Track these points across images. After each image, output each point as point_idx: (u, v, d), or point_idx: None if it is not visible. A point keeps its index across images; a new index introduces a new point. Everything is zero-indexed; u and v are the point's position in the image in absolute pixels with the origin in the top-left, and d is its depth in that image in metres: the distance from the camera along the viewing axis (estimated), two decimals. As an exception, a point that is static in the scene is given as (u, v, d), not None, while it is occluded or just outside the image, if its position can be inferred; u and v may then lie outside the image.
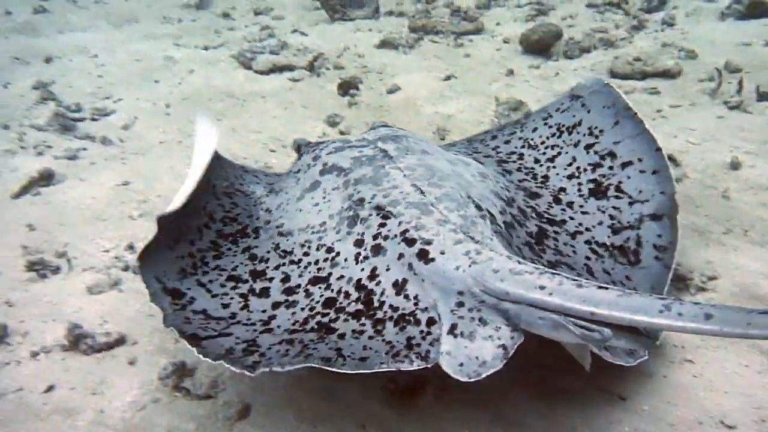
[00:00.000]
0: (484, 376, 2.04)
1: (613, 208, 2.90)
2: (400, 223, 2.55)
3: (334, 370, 2.09)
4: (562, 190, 3.10)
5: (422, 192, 2.69)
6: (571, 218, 2.92)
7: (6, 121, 4.84)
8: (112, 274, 3.24)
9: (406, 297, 2.37)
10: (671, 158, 3.61)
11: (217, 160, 3.05)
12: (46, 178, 4.07)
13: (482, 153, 3.53)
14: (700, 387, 2.29)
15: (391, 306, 2.37)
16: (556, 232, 2.84)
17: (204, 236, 2.76)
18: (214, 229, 2.83)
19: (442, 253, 2.37)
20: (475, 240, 2.40)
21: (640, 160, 2.96)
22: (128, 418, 2.38)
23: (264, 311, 2.51)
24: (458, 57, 5.85)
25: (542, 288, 2.05)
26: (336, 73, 5.70)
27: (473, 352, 2.12)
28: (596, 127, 3.19)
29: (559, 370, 2.41)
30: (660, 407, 2.22)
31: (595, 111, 3.23)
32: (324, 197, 2.94)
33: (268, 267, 2.73)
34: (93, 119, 5.03)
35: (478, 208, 2.65)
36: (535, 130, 3.47)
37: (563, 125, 3.34)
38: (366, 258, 2.56)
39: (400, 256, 2.46)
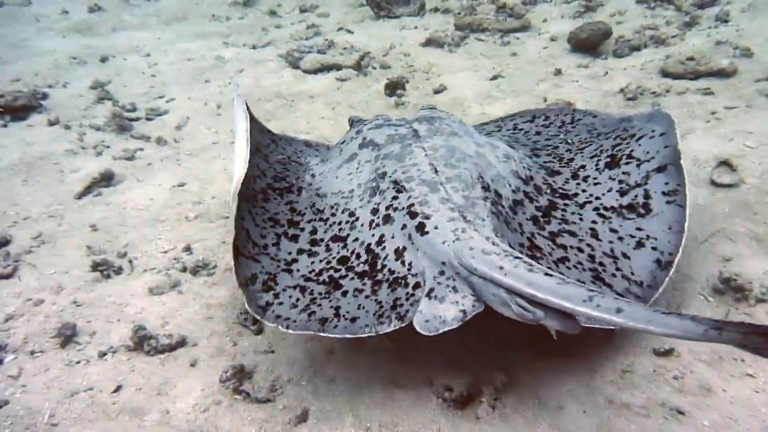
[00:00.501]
0: (440, 332, 2.38)
1: (623, 173, 3.10)
2: (409, 197, 2.88)
3: (322, 334, 2.48)
4: (582, 167, 3.31)
5: (436, 171, 3.00)
6: (584, 191, 3.15)
7: (67, 120, 5.02)
8: (172, 276, 3.35)
9: (403, 263, 2.70)
10: (727, 163, 3.57)
11: (270, 138, 3.72)
12: (107, 179, 4.22)
13: (522, 142, 3.76)
14: (761, 402, 2.27)
15: (389, 270, 2.71)
16: (566, 205, 3.09)
17: (257, 183, 3.23)
18: (265, 181, 3.32)
19: (436, 228, 2.68)
20: (466, 219, 2.70)
21: (653, 131, 3.15)
22: (192, 420, 2.48)
23: (290, 253, 2.93)
24: (505, 56, 5.82)
25: (501, 268, 2.34)
26: (382, 72, 5.74)
27: (439, 312, 2.46)
28: (639, 151, 3.18)
29: (616, 383, 2.43)
30: (720, 423, 2.21)
31: (644, 140, 3.19)
32: (357, 168, 3.29)
33: (302, 219, 3.18)
34: (148, 119, 5.17)
35: (485, 189, 2.93)
36: (578, 135, 3.65)
37: (603, 134, 3.49)
38: (377, 225, 2.91)
39: (404, 226, 2.79)
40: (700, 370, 2.42)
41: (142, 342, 2.85)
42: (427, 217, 2.74)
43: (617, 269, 2.74)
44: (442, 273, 2.58)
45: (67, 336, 2.91)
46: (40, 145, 4.68)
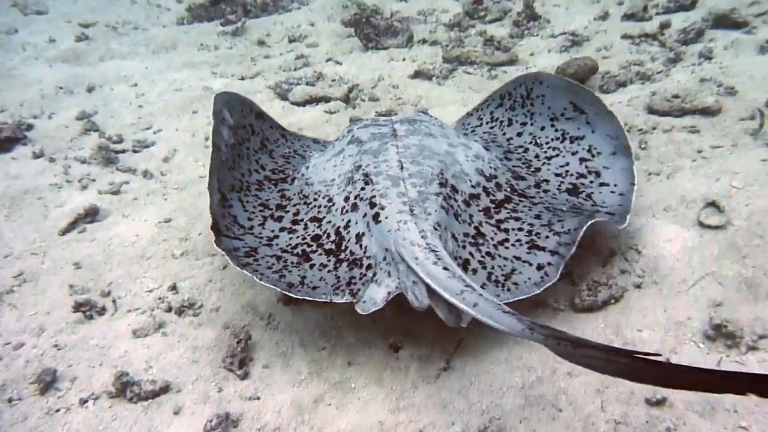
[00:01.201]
0: (370, 312, 2.80)
1: (579, 202, 3.53)
2: (373, 189, 3.33)
3: (288, 294, 2.94)
4: (546, 181, 3.74)
5: (402, 167, 3.45)
6: (540, 197, 3.59)
7: (52, 153, 4.97)
8: (156, 317, 3.30)
9: (361, 246, 3.17)
10: (714, 204, 3.58)
11: (280, 133, 4.34)
12: (92, 214, 4.17)
13: (498, 142, 4.17)
14: (752, 457, 2.25)
15: (351, 251, 3.18)
16: (520, 201, 3.54)
17: (253, 176, 3.80)
18: (263, 174, 3.87)
19: (387, 218, 3.12)
20: (412, 213, 3.13)
21: (616, 185, 3.58)
22: (176, 472, 2.42)
23: (272, 231, 3.44)
24: (493, 89, 5.83)
25: (416, 259, 2.79)
26: (371, 104, 5.75)
27: (374, 295, 2.88)
28: (596, 149, 3.80)
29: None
30: (711, 478, 2.19)
31: (599, 134, 3.83)
32: (342, 161, 3.75)
33: (289, 203, 3.66)
34: (134, 151, 5.13)
35: (442, 185, 3.38)
36: (543, 128, 4.08)
37: (567, 133, 3.96)
38: (347, 211, 3.38)
39: (365, 215, 3.24)
40: (693, 421, 2.40)
41: (124, 388, 2.79)
42: (383, 208, 3.19)
43: (550, 231, 3.24)
44: (385, 258, 3.02)
45: (47, 382, 2.85)
46: (24, 179, 4.63)
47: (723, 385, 1.73)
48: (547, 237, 3.22)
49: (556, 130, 4.02)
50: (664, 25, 6.17)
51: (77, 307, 3.32)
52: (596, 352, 1.90)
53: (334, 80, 6.34)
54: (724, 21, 5.92)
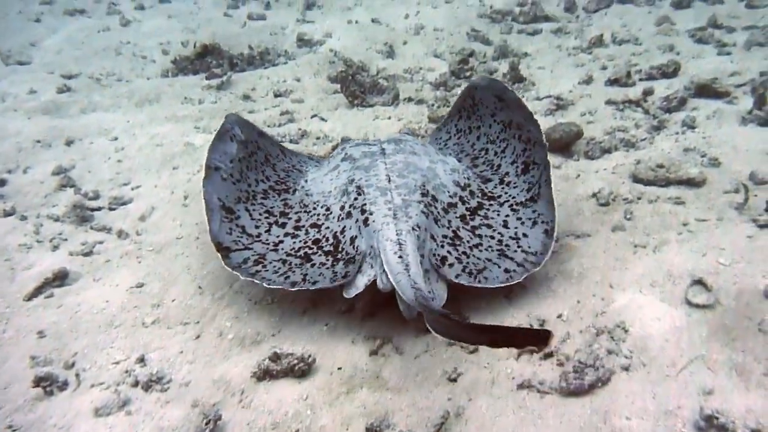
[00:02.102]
0: (352, 295, 3.49)
1: (531, 176, 4.22)
2: (364, 199, 3.91)
3: (294, 289, 3.53)
4: (507, 174, 4.40)
5: (389, 180, 4.03)
6: (505, 192, 4.27)
7: (24, 210, 4.83)
8: (121, 393, 3.13)
9: (354, 247, 3.73)
10: (701, 281, 3.51)
11: (280, 149, 4.87)
12: (61, 278, 4.02)
13: (466, 151, 4.83)
14: None
15: (346, 252, 3.74)
16: (490, 204, 4.19)
17: (259, 185, 4.35)
18: (267, 184, 4.41)
19: (374, 221, 3.72)
20: (395, 216, 3.71)
21: (540, 138, 4.25)
22: None
23: (278, 236, 3.97)
24: (478, 151, 5.82)
25: (385, 251, 3.46)
26: (355, 164, 5.68)
27: (358, 282, 3.53)
28: (522, 124, 4.42)
29: None
30: None
31: (515, 111, 4.50)
32: (337, 175, 4.30)
33: (291, 211, 4.20)
34: (111, 208, 5.01)
35: (424, 194, 3.97)
36: (490, 126, 4.74)
37: (504, 121, 4.61)
38: (342, 218, 3.94)
39: (357, 220, 3.83)
40: None
41: (82, 477, 2.61)
42: (371, 213, 3.78)
43: (518, 246, 3.83)
44: (369, 254, 3.62)
45: (-1, 470, 2.66)
46: (-8, 238, 4.48)
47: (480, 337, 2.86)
48: (515, 251, 3.80)
49: (498, 123, 4.68)
50: (647, 92, 6.22)
51: (37, 381, 3.14)
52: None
53: (318, 138, 6.29)
54: (706, 90, 5.98)
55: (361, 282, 3.50)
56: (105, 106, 7.01)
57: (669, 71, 6.61)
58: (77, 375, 3.24)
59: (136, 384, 3.21)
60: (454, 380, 3.16)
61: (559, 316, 3.53)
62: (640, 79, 6.70)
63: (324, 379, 3.24)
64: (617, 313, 3.47)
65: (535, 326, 3.47)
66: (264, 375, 3.25)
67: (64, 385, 3.18)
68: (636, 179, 4.83)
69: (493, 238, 3.89)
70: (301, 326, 3.67)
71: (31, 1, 10.92)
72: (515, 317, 3.58)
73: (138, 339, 3.56)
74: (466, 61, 7.80)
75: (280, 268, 3.68)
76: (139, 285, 4.02)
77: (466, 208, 4.12)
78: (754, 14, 8.18)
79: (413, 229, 3.64)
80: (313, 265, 3.68)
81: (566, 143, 5.50)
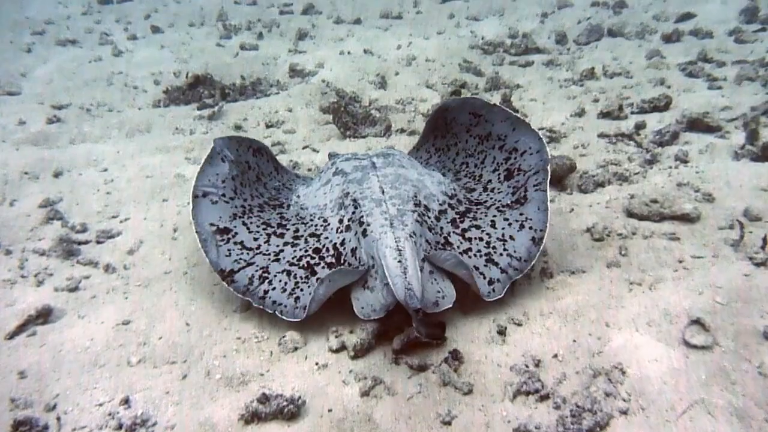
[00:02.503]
0: (372, 318, 3.62)
1: (516, 181, 4.44)
2: (361, 211, 4.09)
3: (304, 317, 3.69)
4: (490, 181, 4.64)
5: (383, 191, 4.22)
6: (490, 197, 4.50)
7: (9, 244, 4.73)
8: (104, 438, 3.02)
9: (355, 258, 3.94)
10: (699, 321, 3.46)
11: (274, 166, 5.07)
12: (45, 315, 3.91)
13: (448, 167, 5.06)
14: None
15: (348, 263, 3.93)
16: (477, 209, 4.40)
17: (255, 200, 4.50)
18: (262, 199, 4.57)
19: (372, 231, 3.92)
20: (392, 225, 3.91)
21: (530, 146, 4.49)
22: None
23: (278, 246, 4.11)
24: (471, 184, 5.79)
25: (386, 257, 3.69)
26: (347, 197, 5.63)
27: (370, 301, 3.69)
28: (502, 134, 4.72)
29: None
30: None
31: (497, 124, 4.77)
32: (330, 189, 4.49)
33: (288, 222, 4.37)
34: (98, 242, 4.91)
35: (417, 204, 4.18)
36: (467, 141, 5.01)
37: (480, 135, 4.90)
38: (342, 231, 4.13)
39: (356, 232, 4.03)
40: None
41: None
42: (369, 225, 3.98)
43: (504, 249, 4.01)
44: (372, 266, 3.80)
45: None
46: (-25, 274, 4.37)
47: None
48: (501, 255, 3.98)
49: (474, 137, 4.95)
50: (640, 126, 6.23)
51: (16, 426, 3.02)
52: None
53: (309, 169, 6.24)
54: (698, 124, 6.00)
55: (379, 303, 3.65)
56: (95, 136, 6.94)
57: (661, 105, 6.63)
58: (58, 418, 3.13)
59: (119, 427, 3.11)
60: (449, 423, 3.08)
61: (555, 356, 3.47)
62: (632, 113, 6.72)
63: (314, 421, 3.15)
64: (614, 353, 3.41)
65: (531, 367, 3.40)
66: (252, 418, 3.16)
67: (43, 430, 3.07)
68: (630, 214, 4.80)
69: (481, 240, 4.10)
70: (291, 365, 3.58)
71: (22, 32, 10.91)
72: (510, 356, 3.51)
73: (123, 379, 3.45)
74: (459, 92, 7.81)
75: (287, 283, 3.84)
76: (125, 322, 3.92)
77: (456, 213, 4.36)
78: (743, 49, 8.27)
79: (410, 236, 3.85)
80: (317, 280, 3.80)
81: (560, 176, 5.48)
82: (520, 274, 3.89)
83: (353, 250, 3.96)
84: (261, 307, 3.77)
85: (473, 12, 11.38)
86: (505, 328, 3.72)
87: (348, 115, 7.24)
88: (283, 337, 3.74)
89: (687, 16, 9.73)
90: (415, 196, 4.23)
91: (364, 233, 3.92)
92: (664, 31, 9.17)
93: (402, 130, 7.35)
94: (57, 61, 9.52)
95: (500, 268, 3.89)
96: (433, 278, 3.80)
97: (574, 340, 3.56)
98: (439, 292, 3.74)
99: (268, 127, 7.59)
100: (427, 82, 8.37)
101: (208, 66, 9.12)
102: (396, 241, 3.75)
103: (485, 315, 3.87)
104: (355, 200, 4.19)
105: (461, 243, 4.08)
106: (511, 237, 4.07)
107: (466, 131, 5.02)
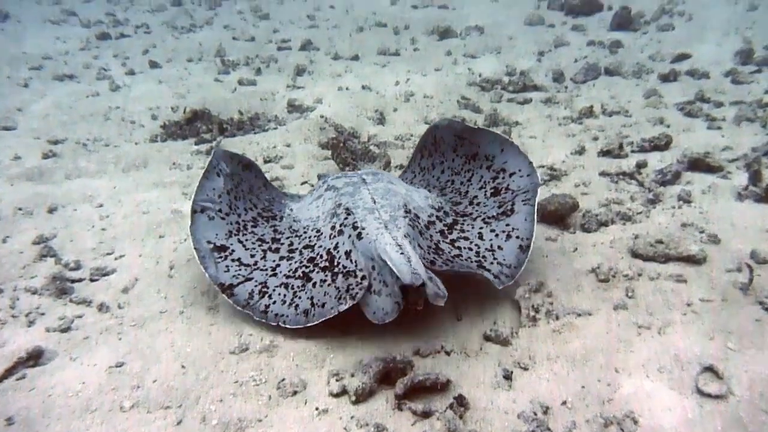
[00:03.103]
0: (387, 321, 3.71)
1: (502, 197, 4.68)
2: (354, 217, 4.27)
3: (308, 325, 3.87)
4: (476, 197, 4.85)
5: (375, 201, 4.42)
6: (476, 210, 4.70)
7: (1, 282, 4.60)
8: (95, 492, 2.88)
9: (350, 260, 4.04)
10: (712, 369, 3.36)
11: (263, 182, 5.17)
12: (35, 357, 3.77)
13: (432, 184, 5.27)
14: None
15: (343, 265, 4.04)
16: (464, 220, 4.62)
17: (248, 213, 4.68)
18: (255, 211, 4.75)
19: (367, 233, 4.07)
20: (386, 228, 4.09)
21: (520, 170, 4.73)
22: None
23: (274, 261, 4.29)
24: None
25: (386, 252, 3.85)
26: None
27: (381, 305, 3.76)
28: (490, 154, 4.96)
29: None
30: None
31: (483, 145, 5.01)
32: (323, 203, 4.68)
33: (282, 236, 4.54)
34: (92, 279, 4.79)
35: (407, 212, 4.38)
36: (453, 160, 5.23)
37: (467, 155, 5.12)
38: (334, 236, 4.27)
39: (350, 236, 4.16)
40: None
41: None
42: (363, 228, 4.13)
43: (494, 258, 4.21)
44: (373, 268, 3.89)
45: None
46: (-36, 314, 4.24)
47: None
48: (491, 263, 4.18)
49: (461, 156, 5.16)
50: (641, 165, 6.21)
51: (3, 477, 2.89)
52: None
53: (308, 206, 6.16)
54: (699, 164, 5.98)
55: (389, 305, 3.73)
56: (91, 171, 6.85)
57: (661, 144, 6.62)
58: (46, 470, 2.99)
59: (111, 480, 2.97)
60: (455, 475, 2.95)
61: (564, 403, 3.36)
62: (633, 151, 6.71)
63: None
64: (625, 401, 3.31)
65: (539, 414, 3.28)
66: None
67: (32, 481, 2.93)
68: (635, 254, 4.74)
69: (471, 249, 4.29)
70: (290, 410, 3.45)
71: (19, 66, 10.89)
72: (517, 402, 3.40)
73: (115, 425, 3.31)
74: (457, 129, 7.79)
75: (285, 295, 4.02)
76: (118, 364, 3.79)
77: (443, 224, 4.56)
78: (740, 90, 8.32)
79: (405, 236, 4.03)
80: (314, 284, 4.01)
81: (562, 215, 5.42)
82: (511, 280, 4.10)
83: (347, 253, 4.09)
84: (263, 321, 3.99)
85: (470, 50, 11.46)
86: (512, 372, 3.62)
87: (347, 151, 7.20)
88: (282, 380, 3.62)
89: (682, 57, 9.81)
90: (406, 206, 4.45)
91: (359, 236, 4.09)
92: (661, 71, 9.24)
93: (401, 166, 7.29)
94: (54, 95, 9.48)
95: (493, 274, 4.06)
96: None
97: (583, 386, 3.46)
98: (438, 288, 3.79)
99: (266, 162, 7.53)
100: (426, 119, 8.37)
101: (206, 101, 9.11)
102: (394, 239, 3.95)
103: (490, 358, 3.77)
104: (347, 208, 4.39)
105: (451, 250, 4.29)
106: (499, 247, 4.29)
107: (453, 151, 5.23)
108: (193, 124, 8.06)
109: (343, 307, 3.77)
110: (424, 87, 9.55)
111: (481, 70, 10.27)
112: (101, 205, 6.03)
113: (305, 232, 4.48)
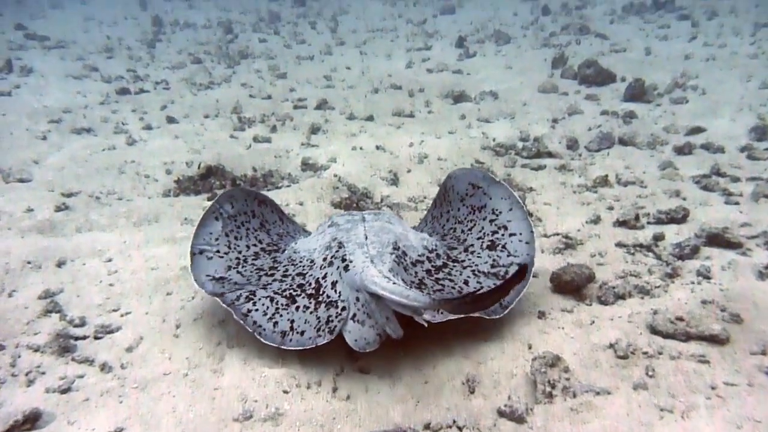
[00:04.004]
0: (368, 350, 3.98)
1: (497, 255, 4.90)
2: (344, 251, 4.54)
3: (283, 347, 4.14)
4: (472, 245, 5.06)
5: (366, 237, 4.70)
6: (469, 259, 4.92)
7: (2, 338, 4.50)
8: None
9: (335, 291, 4.30)
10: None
11: (278, 216, 5.61)
12: (32, 420, 3.64)
13: (437, 231, 5.47)
14: None
15: (327, 295, 4.31)
16: (454, 265, 4.85)
17: (251, 249, 5.02)
18: (259, 247, 5.10)
19: (354, 266, 4.30)
20: (372, 261, 4.30)
21: (521, 233, 4.97)
22: None
23: (267, 281, 4.62)
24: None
25: (375, 284, 4.02)
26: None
27: (363, 334, 4.01)
28: (497, 209, 5.16)
29: None
30: None
31: (495, 199, 5.20)
32: (322, 237, 4.97)
33: (280, 265, 4.84)
34: (96, 337, 4.69)
35: (395, 249, 4.64)
36: (459, 209, 5.43)
37: (474, 206, 5.31)
38: (324, 267, 4.55)
39: (338, 267, 4.42)
40: None
41: None
42: (351, 261, 4.39)
43: None
44: (357, 299, 4.12)
45: None
46: (-37, 372, 4.13)
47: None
48: None
49: (467, 206, 5.36)
50: (658, 237, 6.11)
51: None
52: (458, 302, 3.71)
53: (319, 267, 6.07)
54: (718, 240, 5.87)
55: (371, 335, 4.02)
56: (102, 225, 6.82)
57: (678, 217, 6.52)
58: None
59: None
60: None
61: (583, 490, 3.17)
62: (649, 223, 6.62)
63: None
64: (649, 491, 3.12)
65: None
66: None
67: None
68: (654, 331, 4.59)
69: (454, 288, 4.56)
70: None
71: (39, 120, 11.03)
72: (533, 489, 3.22)
73: (110, 498, 3.15)
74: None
75: (268, 308, 4.30)
76: (117, 430, 3.64)
77: (432, 265, 4.79)
78: (756, 165, 8.25)
79: (390, 270, 4.27)
80: (297, 308, 4.28)
81: (578, 286, 5.30)
82: (486, 317, 4.44)
83: (334, 284, 4.34)
84: (242, 322, 4.25)
85: (484, 114, 11.55)
86: (528, 452, 3.44)
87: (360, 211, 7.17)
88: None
89: (697, 130, 9.81)
90: (395, 243, 4.71)
91: (346, 268, 4.33)
92: (676, 143, 9.22)
93: (414, 227, 7.24)
94: (70, 148, 9.54)
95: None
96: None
97: (604, 474, 3.28)
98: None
99: (277, 220, 7.50)
100: (439, 181, 8.34)
101: (221, 157, 9.15)
102: (380, 272, 4.14)
103: (506, 439, 3.60)
104: (340, 242, 4.68)
105: (434, 285, 4.56)
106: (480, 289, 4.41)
107: (461, 200, 5.42)
108: (207, 180, 8.08)
109: (322, 341, 4.04)
110: (438, 149, 9.58)
111: (495, 134, 10.31)
112: (110, 260, 5.96)
113: (300, 261, 4.78)
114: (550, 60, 15.26)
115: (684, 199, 7.29)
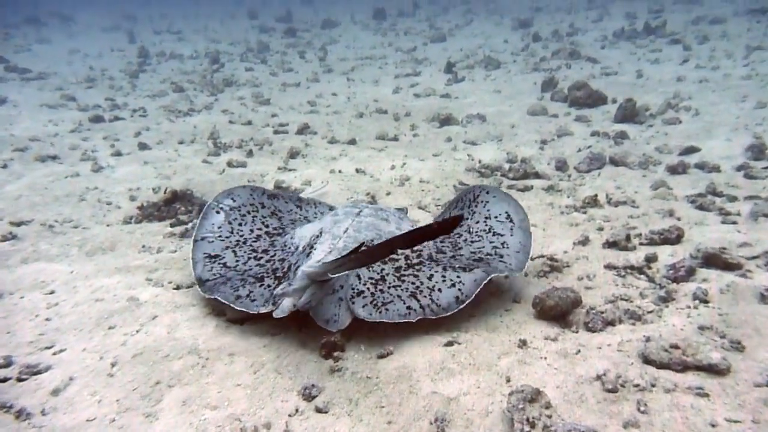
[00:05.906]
0: (279, 317, 4.25)
1: (475, 261, 4.96)
2: (318, 241, 4.87)
3: (232, 306, 4.56)
4: (460, 248, 5.16)
5: (346, 231, 4.94)
6: (449, 260, 4.92)
7: None
8: None
9: (295, 275, 4.46)
10: None
11: (296, 204, 6.08)
12: None
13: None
14: None
15: (289, 276, 4.63)
16: (431, 265, 4.81)
17: (254, 233, 5.37)
18: (264, 230, 5.43)
19: (313, 255, 4.64)
20: (330, 253, 4.60)
21: (517, 251, 5.08)
22: None
23: (250, 266, 4.93)
24: (462, 317, 5.05)
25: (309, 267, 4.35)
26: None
27: (284, 306, 4.27)
28: (507, 245, 5.14)
29: None
30: None
31: (515, 238, 5.22)
32: (317, 225, 5.23)
33: (273, 249, 5.14)
34: (20, 379, 4.17)
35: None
36: (477, 222, 5.46)
37: (493, 229, 5.35)
38: (300, 253, 4.88)
39: (308, 255, 4.74)
40: None
41: None
42: (314, 249, 4.74)
43: (430, 296, 4.49)
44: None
45: None
46: None
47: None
48: (425, 296, 4.47)
49: (487, 225, 5.36)
50: (651, 258, 5.62)
51: None
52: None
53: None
54: (715, 260, 5.38)
55: (286, 306, 4.21)
56: (51, 255, 6.32)
57: (672, 237, 6.03)
58: None
59: None
60: None
61: None
62: (641, 244, 6.13)
63: None
64: None
65: None
66: None
67: None
68: (647, 360, 4.08)
69: (413, 283, 4.59)
70: None
71: (3, 148, 10.63)
72: None
73: None
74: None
75: (238, 286, 4.61)
76: (19, 491, 3.11)
77: (407, 263, 4.80)
78: (754, 185, 7.79)
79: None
80: (261, 286, 4.57)
81: (563, 312, 4.80)
82: (435, 316, 4.40)
83: (297, 269, 4.55)
84: (208, 295, 4.74)
85: (471, 137, 11.16)
86: None
87: (331, 237, 6.71)
88: None
89: (691, 150, 9.38)
90: (371, 241, 4.86)
91: (308, 255, 4.67)
92: (669, 163, 8.79)
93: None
94: (31, 177, 9.10)
95: (420, 304, 4.41)
96: (338, 303, 4.40)
97: None
98: (335, 315, 4.37)
99: (245, 248, 7.00)
100: (420, 203, 7.89)
101: (191, 182, 8.71)
102: (318, 261, 4.43)
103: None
104: (321, 231, 4.99)
105: (394, 281, 4.61)
106: (439, 289, 4.54)
107: (485, 217, 5.45)
108: (172, 206, 7.60)
109: (263, 310, 4.40)
110: (421, 172, 9.15)
111: (481, 156, 9.90)
112: (52, 292, 5.45)
113: (289, 248, 5.05)
114: (539, 83, 14.95)
115: (678, 219, 6.81)
